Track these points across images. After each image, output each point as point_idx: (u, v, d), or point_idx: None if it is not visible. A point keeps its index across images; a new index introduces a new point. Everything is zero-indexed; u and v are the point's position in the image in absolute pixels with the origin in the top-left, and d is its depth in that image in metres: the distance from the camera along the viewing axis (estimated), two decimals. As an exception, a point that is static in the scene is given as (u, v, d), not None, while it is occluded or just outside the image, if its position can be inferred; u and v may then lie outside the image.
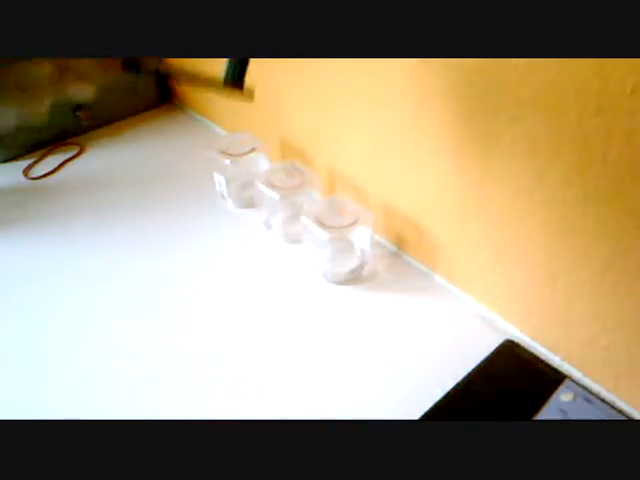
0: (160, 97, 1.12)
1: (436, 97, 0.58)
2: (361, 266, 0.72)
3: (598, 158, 0.47)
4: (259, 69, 0.84)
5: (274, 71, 0.81)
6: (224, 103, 0.99)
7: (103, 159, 0.96)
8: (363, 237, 0.70)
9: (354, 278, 0.72)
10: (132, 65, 0.38)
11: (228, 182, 0.83)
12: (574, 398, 0.55)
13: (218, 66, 0.52)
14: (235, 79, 0.49)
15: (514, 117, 0.52)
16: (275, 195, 0.73)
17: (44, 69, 0.92)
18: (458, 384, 0.57)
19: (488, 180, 0.58)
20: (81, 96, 0.99)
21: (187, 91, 1.09)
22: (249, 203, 0.83)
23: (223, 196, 0.85)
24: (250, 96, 0.49)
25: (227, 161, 0.79)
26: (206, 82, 0.48)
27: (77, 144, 0.99)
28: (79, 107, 1.00)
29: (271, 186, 0.74)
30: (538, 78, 0.48)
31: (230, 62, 0.50)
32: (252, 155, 0.81)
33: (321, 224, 0.67)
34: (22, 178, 0.91)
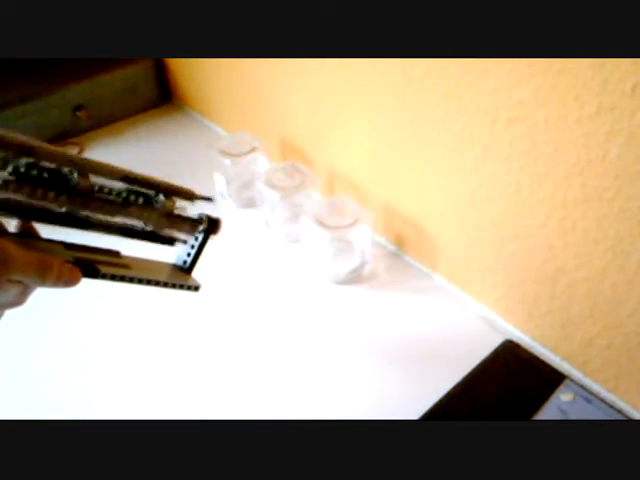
0: (160, 97, 1.12)
1: (436, 97, 0.58)
2: (361, 266, 0.72)
3: (598, 158, 0.47)
4: (260, 69, 0.84)
5: (274, 71, 0.81)
6: (224, 103, 0.99)
7: (103, 159, 0.95)
8: (363, 237, 0.70)
9: (354, 278, 0.72)
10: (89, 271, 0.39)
11: (228, 182, 0.83)
12: (574, 398, 0.55)
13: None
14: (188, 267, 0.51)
15: (514, 117, 0.52)
16: (275, 195, 0.73)
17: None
18: (458, 384, 0.57)
19: (488, 180, 0.58)
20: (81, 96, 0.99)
21: (187, 91, 1.09)
22: (249, 203, 0.83)
23: (223, 196, 0.85)
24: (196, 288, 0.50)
25: (227, 161, 0.79)
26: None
27: (77, 144, 0.99)
28: (79, 107, 1.00)
29: (271, 186, 0.74)
30: (538, 78, 0.48)
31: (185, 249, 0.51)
32: (252, 155, 0.81)
33: (321, 224, 0.67)
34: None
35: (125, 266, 0.44)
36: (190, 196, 0.48)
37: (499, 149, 0.55)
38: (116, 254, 0.46)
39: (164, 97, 1.13)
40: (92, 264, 0.40)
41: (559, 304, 0.57)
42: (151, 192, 0.44)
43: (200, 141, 1.00)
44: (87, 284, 0.39)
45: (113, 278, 0.41)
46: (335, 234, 0.67)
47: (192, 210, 0.49)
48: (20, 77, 0.99)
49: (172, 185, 0.46)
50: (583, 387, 0.57)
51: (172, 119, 1.09)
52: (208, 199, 0.49)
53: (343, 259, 0.72)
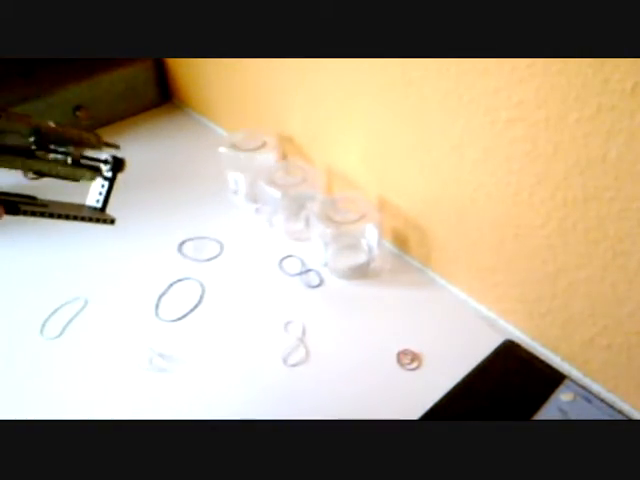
0: (160, 97, 1.12)
1: (436, 98, 0.58)
2: (367, 262, 0.72)
3: (598, 158, 0.47)
4: (259, 69, 0.84)
5: (274, 71, 0.81)
6: (224, 103, 0.99)
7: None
8: (370, 233, 0.70)
9: (359, 274, 0.72)
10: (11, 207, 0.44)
11: (240, 178, 0.82)
12: (574, 398, 0.55)
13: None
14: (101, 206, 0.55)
15: (514, 117, 0.52)
16: (277, 193, 0.73)
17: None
18: (458, 384, 0.57)
19: (488, 180, 0.58)
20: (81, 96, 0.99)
21: (187, 91, 1.09)
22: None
23: (235, 192, 0.84)
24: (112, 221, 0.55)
25: (239, 157, 0.79)
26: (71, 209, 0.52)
27: (77, 144, 0.99)
28: (79, 107, 1.00)
29: (273, 184, 0.74)
30: (538, 78, 0.48)
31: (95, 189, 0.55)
32: (263, 150, 0.81)
33: (328, 219, 0.67)
34: (22, 178, 0.91)
35: (43, 205, 0.48)
36: (97, 145, 0.52)
37: (499, 149, 0.55)
38: (33, 198, 0.49)
39: (164, 97, 1.13)
40: (14, 203, 0.44)
41: (559, 304, 0.57)
42: (59, 145, 0.48)
43: (200, 141, 1.00)
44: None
45: (34, 214, 0.45)
46: (341, 229, 0.68)
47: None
48: (21, 77, 0.99)
49: (80, 135, 0.51)
50: (583, 387, 0.57)
51: (172, 119, 1.09)
52: (116, 146, 0.54)
53: (349, 255, 0.72)
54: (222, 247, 0.77)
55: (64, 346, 0.64)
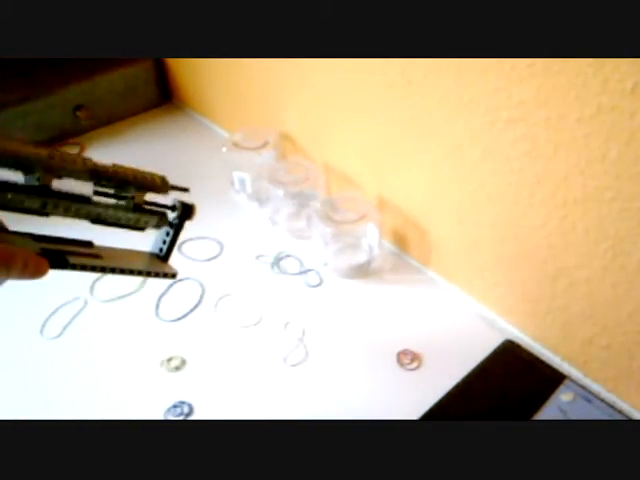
0: (160, 97, 1.12)
1: (436, 97, 0.58)
2: (368, 262, 0.72)
3: (598, 158, 0.47)
4: (259, 69, 0.84)
5: (274, 71, 0.81)
6: (224, 103, 0.99)
7: (103, 159, 0.95)
8: (371, 233, 0.70)
9: (359, 274, 0.72)
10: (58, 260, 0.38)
11: (244, 177, 0.82)
12: (574, 398, 0.55)
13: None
14: (164, 255, 0.49)
15: (514, 117, 0.52)
16: (279, 191, 0.73)
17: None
18: (458, 384, 0.57)
19: (488, 180, 0.58)
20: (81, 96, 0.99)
21: (187, 91, 1.09)
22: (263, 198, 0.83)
23: (238, 191, 0.84)
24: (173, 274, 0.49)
25: (242, 156, 0.79)
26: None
27: (77, 144, 0.99)
28: (79, 107, 1.00)
29: (275, 182, 0.74)
30: (538, 78, 0.48)
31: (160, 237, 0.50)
32: (264, 149, 0.81)
33: (328, 218, 0.67)
34: (22, 178, 0.91)
35: (97, 256, 0.42)
36: (164, 188, 0.46)
37: (499, 149, 0.55)
38: (88, 244, 0.44)
39: (164, 97, 1.13)
40: (61, 254, 0.38)
41: (559, 304, 0.57)
42: (120, 189, 0.43)
43: (200, 141, 1.00)
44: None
45: (83, 268, 0.40)
46: (342, 228, 0.68)
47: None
48: (20, 77, 0.99)
49: (144, 177, 0.44)
50: (583, 387, 0.57)
51: (172, 119, 1.09)
52: (184, 189, 0.48)
53: (350, 254, 0.72)
54: (222, 247, 0.77)
55: (64, 346, 0.64)
